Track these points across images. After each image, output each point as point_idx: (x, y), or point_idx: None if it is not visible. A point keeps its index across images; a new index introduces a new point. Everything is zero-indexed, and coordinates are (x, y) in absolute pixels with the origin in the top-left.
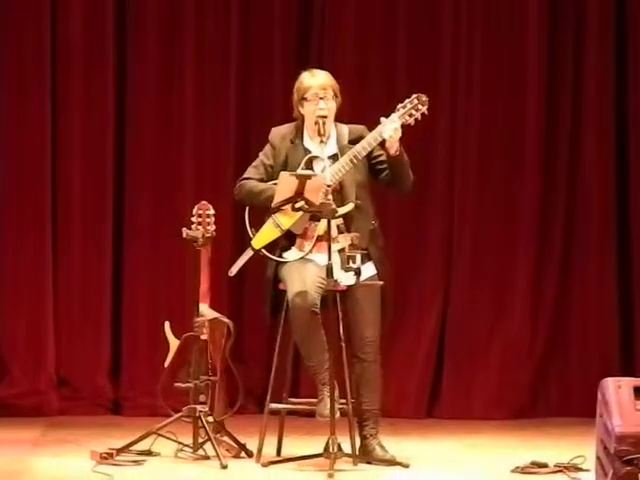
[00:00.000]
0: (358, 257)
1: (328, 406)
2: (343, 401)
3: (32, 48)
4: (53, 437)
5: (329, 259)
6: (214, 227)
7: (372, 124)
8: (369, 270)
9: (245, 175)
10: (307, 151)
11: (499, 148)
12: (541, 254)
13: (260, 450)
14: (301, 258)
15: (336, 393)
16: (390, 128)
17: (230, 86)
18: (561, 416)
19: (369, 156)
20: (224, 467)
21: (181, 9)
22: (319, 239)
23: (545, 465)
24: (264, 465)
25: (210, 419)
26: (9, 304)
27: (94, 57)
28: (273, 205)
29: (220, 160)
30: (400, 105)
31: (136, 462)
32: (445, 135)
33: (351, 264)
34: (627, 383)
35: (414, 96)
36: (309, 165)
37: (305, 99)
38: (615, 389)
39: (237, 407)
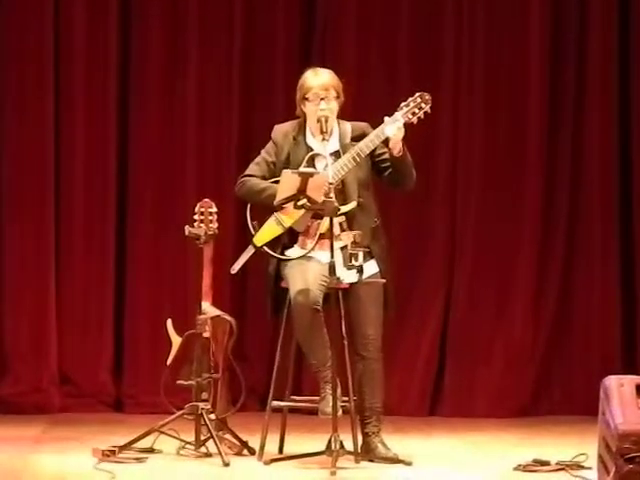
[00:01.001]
0: (360, 255)
1: (330, 404)
2: (345, 399)
3: (35, 47)
4: (55, 434)
5: (331, 257)
6: (216, 225)
7: (374, 122)
8: (371, 268)
9: (247, 172)
10: (309, 148)
11: (502, 148)
12: (543, 254)
13: (262, 448)
14: (303, 256)
15: (338, 391)
16: (393, 127)
17: (233, 84)
18: (563, 414)
19: (372, 154)
20: (226, 465)
21: (184, 8)
22: (321, 237)
23: (547, 463)
24: (266, 463)
25: (212, 417)
26: (12, 302)
27: (97, 57)
28: (275, 203)
29: (222, 157)
30: (403, 104)
31: (138, 459)
32: (448, 134)
33: (353, 262)
34: (630, 381)
35: (417, 95)
36: (311, 163)
37: (307, 99)
38: (618, 387)
39: (239, 405)
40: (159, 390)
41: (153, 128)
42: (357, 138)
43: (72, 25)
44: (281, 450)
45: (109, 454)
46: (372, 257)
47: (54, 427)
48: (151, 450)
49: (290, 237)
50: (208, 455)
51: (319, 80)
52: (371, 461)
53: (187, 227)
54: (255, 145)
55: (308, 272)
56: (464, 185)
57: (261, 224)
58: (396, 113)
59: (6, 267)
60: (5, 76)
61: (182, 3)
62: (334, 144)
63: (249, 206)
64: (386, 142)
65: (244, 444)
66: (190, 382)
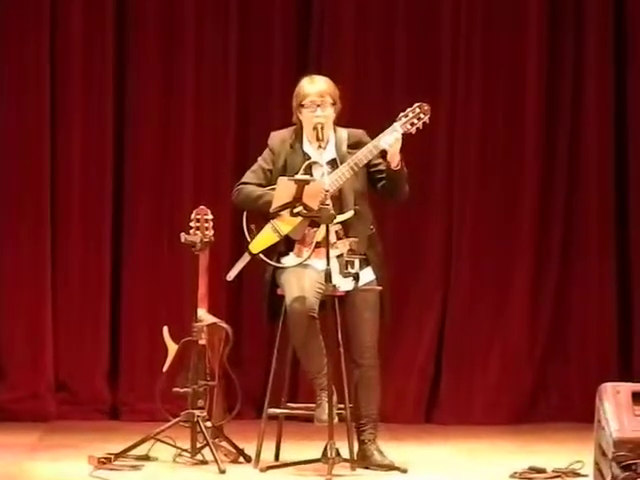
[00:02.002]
0: (357, 262)
1: (326, 411)
2: (341, 406)
3: (32, 48)
4: (51, 442)
5: (327, 264)
6: (212, 232)
7: (371, 129)
8: (367, 275)
9: (243, 180)
10: (306, 155)
11: (498, 150)
12: (540, 259)
13: (258, 455)
14: (299, 264)
15: (334, 398)
16: (390, 138)
17: (229, 90)
18: (560, 421)
19: (367, 164)
20: (222, 472)
21: (180, 14)
22: (318, 245)
23: (543, 470)
24: (262, 470)
25: (208, 424)
26: (8, 308)
27: (93, 61)
28: (271, 210)
29: (219, 165)
30: (402, 114)
31: (134, 467)
32: (444, 137)
33: (349, 269)
34: (626, 388)
35: (416, 105)
36: (308, 171)
37: (303, 106)
38: (614, 394)
39: (235, 412)
40: (155, 397)
41: (149, 135)
42: (354, 146)
43: (69, 26)
44: (277, 457)
45: (105, 462)
46: (368, 264)
47: (50, 434)
48: (147, 458)
49: (286, 245)
50: (204, 462)
51: (315, 87)
52: (367, 468)
53: (183, 234)
54: (251, 152)
55: (304, 279)
56: (460, 189)
57: (257, 231)
58: (395, 124)
59: (2, 275)
60: (1, 77)
61: (179, 8)
62: (330, 152)
63: (245, 213)
64: (383, 153)
65: (240, 451)
66: (186, 389)
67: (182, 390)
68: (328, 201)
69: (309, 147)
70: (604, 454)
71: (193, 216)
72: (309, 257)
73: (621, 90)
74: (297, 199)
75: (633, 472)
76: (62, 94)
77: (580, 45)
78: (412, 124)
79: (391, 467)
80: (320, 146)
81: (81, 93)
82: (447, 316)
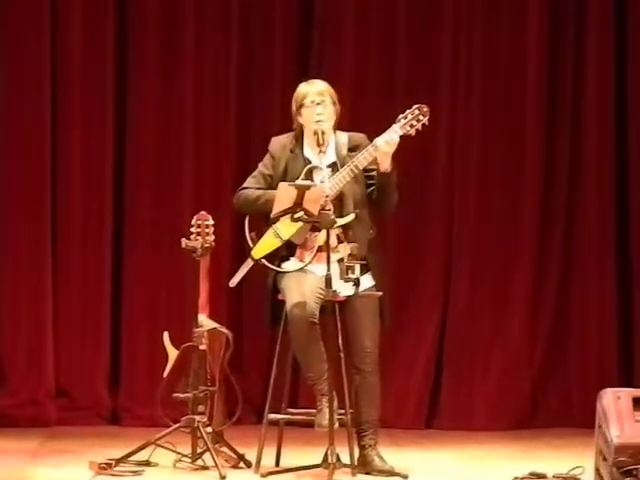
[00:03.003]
0: (357, 267)
1: (327, 416)
2: (342, 411)
3: (32, 48)
4: (52, 447)
5: (328, 269)
6: (213, 237)
7: (371, 131)
8: (368, 281)
9: (244, 185)
10: (307, 160)
11: (499, 151)
12: (540, 261)
13: (259, 460)
14: (301, 269)
15: (335, 403)
16: (386, 137)
17: (230, 96)
18: (560, 427)
19: (362, 170)
20: (223, 477)
21: (181, 16)
22: (319, 250)
23: (544, 476)
24: (263, 475)
25: (209, 429)
26: (8, 314)
27: (94, 61)
28: (272, 215)
29: (219, 170)
30: (401, 116)
31: (135, 472)
32: (445, 138)
33: (350, 274)
34: (626, 394)
35: (415, 107)
36: (309, 175)
37: (303, 106)
38: (614, 400)
39: (236, 417)
40: (156, 403)
41: (150, 139)
42: (354, 149)
43: (69, 26)
44: (278, 463)
45: (106, 467)
46: (368, 270)
47: (51, 440)
48: (147, 463)
49: (288, 250)
50: (205, 468)
51: (314, 87)
52: (368, 474)
53: (184, 240)
54: (252, 157)
55: (304, 285)
56: (461, 192)
57: (259, 237)
58: (394, 125)
59: (2, 280)
60: (1, 78)
61: (179, 11)
62: (331, 156)
63: (247, 218)
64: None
65: (241, 457)
66: (187, 395)
67: (183, 395)
68: (329, 206)
69: (309, 152)
70: (605, 459)
71: (194, 221)
72: (311, 261)
73: (622, 89)
74: (298, 204)
75: (634, 477)
76: (63, 94)
77: (581, 44)
78: (411, 126)
79: (392, 473)
80: (321, 150)
81: (81, 94)
82: (447, 321)
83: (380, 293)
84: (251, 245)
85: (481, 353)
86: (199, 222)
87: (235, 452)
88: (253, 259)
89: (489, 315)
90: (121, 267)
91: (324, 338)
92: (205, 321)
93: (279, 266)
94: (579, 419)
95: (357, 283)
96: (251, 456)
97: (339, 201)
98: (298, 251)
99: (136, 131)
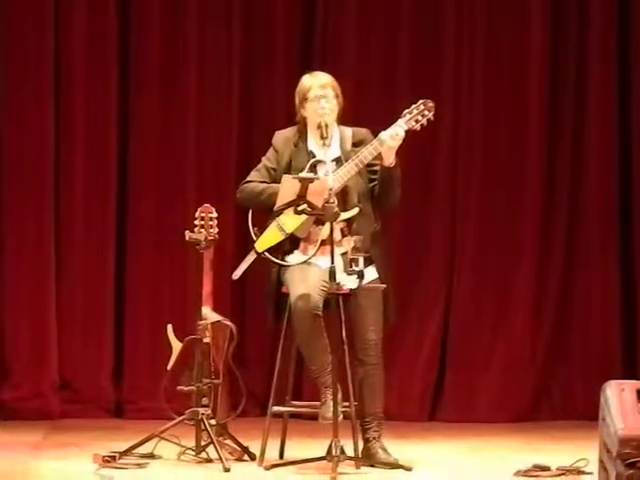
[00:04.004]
0: (361, 260)
1: (331, 409)
2: (346, 404)
3: (35, 49)
4: (55, 440)
5: (332, 262)
6: (217, 230)
7: (374, 127)
8: (371, 273)
9: (247, 179)
10: (311, 154)
11: (502, 149)
12: (543, 258)
13: (263, 453)
14: (305, 262)
15: (339, 396)
16: (391, 132)
17: (233, 90)
18: (564, 419)
19: (366, 165)
20: (227, 470)
21: (184, 14)
22: (323, 243)
23: (548, 468)
24: (267, 468)
25: (213, 422)
26: (12, 307)
27: (97, 61)
28: (276, 208)
29: (223, 163)
30: (406, 111)
31: (139, 465)
32: (447, 135)
33: (354, 267)
34: (630, 386)
35: (420, 102)
36: (313, 169)
37: (306, 99)
38: (618, 392)
39: (240, 410)
40: (159, 396)
41: (153, 132)
42: (358, 144)
43: (72, 27)
44: (282, 455)
45: (110, 460)
46: (372, 263)
47: (54, 433)
48: (152, 456)
49: (291, 243)
50: (209, 461)
51: (317, 80)
52: (372, 466)
53: (187, 232)
54: (255, 151)
55: (308, 277)
56: (464, 187)
57: (262, 230)
58: (399, 120)
59: (6, 273)
60: (4, 78)
61: (182, 8)
62: (335, 150)
63: (251, 212)
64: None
65: (245, 449)
66: (190, 387)
67: (186, 388)
68: (332, 199)
69: (314, 145)
70: (609, 452)
71: (197, 214)
72: (315, 255)
73: (625, 87)
74: (301, 197)
75: (638, 470)
76: (65, 92)
77: (583, 43)
78: (416, 121)
79: (396, 465)
80: (325, 144)
81: (84, 93)
82: (451, 314)
83: (384, 285)
84: (254, 238)
85: (484, 346)
86: (203, 215)
87: (239, 445)
88: (256, 252)
89: (492, 308)
90: (125, 260)
91: (328, 330)
92: (209, 314)
93: (283, 260)
94: (582, 411)
95: (361, 275)
96: (255, 449)
97: (343, 195)
98: (302, 245)
99: (139, 125)
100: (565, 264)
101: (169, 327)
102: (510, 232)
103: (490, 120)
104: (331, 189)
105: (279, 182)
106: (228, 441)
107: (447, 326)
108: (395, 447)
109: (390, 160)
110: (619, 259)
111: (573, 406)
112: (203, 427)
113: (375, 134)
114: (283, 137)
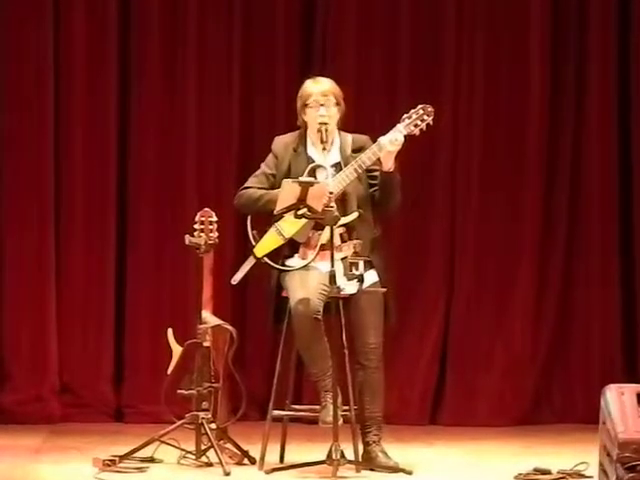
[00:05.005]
0: (361, 264)
1: (331, 413)
2: (346, 408)
3: (35, 48)
4: (55, 444)
5: (332, 266)
6: (217, 234)
7: (374, 130)
8: (371, 277)
9: (246, 184)
10: (310, 159)
11: (501, 151)
12: (543, 260)
13: (263, 457)
14: (304, 266)
15: (339, 400)
16: (391, 137)
17: (233, 91)
18: (564, 423)
19: (365, 170)
20: (227, 474)
21: (183, 18)
22: (322, 248)
23: (548, 472)
24: (267, 472)
25: (213, 426)
26: (12, 311)
27: (96, 61)
28: (276, 212)
29: (223, 167)
30: (405, 115)
31: (139, 469)
32: (447, 138)
33: (354, 271)
34: (630, 390)
35: (419, 107)
36: (312, 174)
37: (307, 105)
38: (618, 396)
39: (240, 414)
40: (160, 400)
41: (153, 137)
42: (357, 151)
43: (72, 26)
44: (282, 459)
45: (110, 464)
46: (372, 267)
47: (54, 437)
48: (152, 460)
49: (291, 247)
50: (209, 465)
51: (319, 87)
52: (372, 470)
53: (187, 236)
54: (255, 155)
55: (308, 281)
56: (464, 190)
57: (261, 235)
58: (398, 125)
59: (6, 277)
60: (4, 78)
61: (181, 11)
62: (335, 155)
63: (250, 217)
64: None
65: (245, 453)
66: (191, 391)
67: (187, 392)
68: (332, 203)
69: (313, 150)
70: (609, 455)
71: (197, 218)
72: (314, 259)
73: (625, 89)
74: (301, 201)
75: (638, 473)
76: (65, 93)
77: (583, 44)
78: (415, 125)
79: (396, 469)
80: (324, 149)
81: (84, 92)
82: (451, 317)
83: (384, 289)
84: (253, 243)
85: (485, 349)
86: (202, 219)
87: (239, 448)
88: (255, 257)
89: (492, 312)
90: (125, 264)
91: (328, 334)
92: (209, 318)
93: (282, 264)
94: (583, 415)
95: (361, 279)
96: (255, 452)
97: (343, 200)
98: (301, 249)
99: (139, 129)
100: (565, 266)
101: (169, 331)
102: (510, 236)
103: (490, 121)
104: (331, 193)
105: (278, 188)
106: (228, 445)
107: (447, 330)
108: (395, 451)
109: (389, 165)
110: (620, 260)
111: (573, 409)
112: (203, 431)
113: (375, 140)
114: (282, 143)
